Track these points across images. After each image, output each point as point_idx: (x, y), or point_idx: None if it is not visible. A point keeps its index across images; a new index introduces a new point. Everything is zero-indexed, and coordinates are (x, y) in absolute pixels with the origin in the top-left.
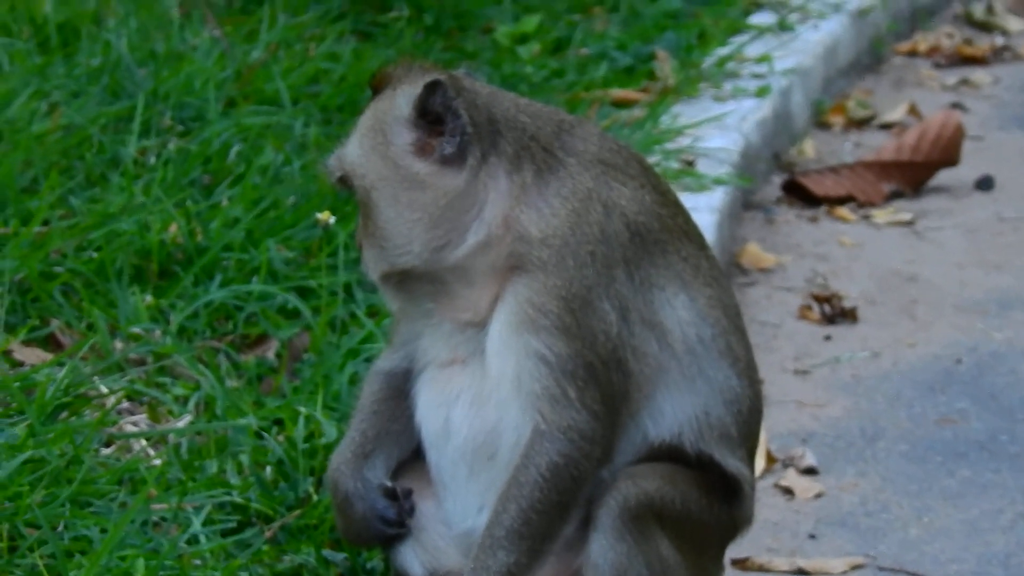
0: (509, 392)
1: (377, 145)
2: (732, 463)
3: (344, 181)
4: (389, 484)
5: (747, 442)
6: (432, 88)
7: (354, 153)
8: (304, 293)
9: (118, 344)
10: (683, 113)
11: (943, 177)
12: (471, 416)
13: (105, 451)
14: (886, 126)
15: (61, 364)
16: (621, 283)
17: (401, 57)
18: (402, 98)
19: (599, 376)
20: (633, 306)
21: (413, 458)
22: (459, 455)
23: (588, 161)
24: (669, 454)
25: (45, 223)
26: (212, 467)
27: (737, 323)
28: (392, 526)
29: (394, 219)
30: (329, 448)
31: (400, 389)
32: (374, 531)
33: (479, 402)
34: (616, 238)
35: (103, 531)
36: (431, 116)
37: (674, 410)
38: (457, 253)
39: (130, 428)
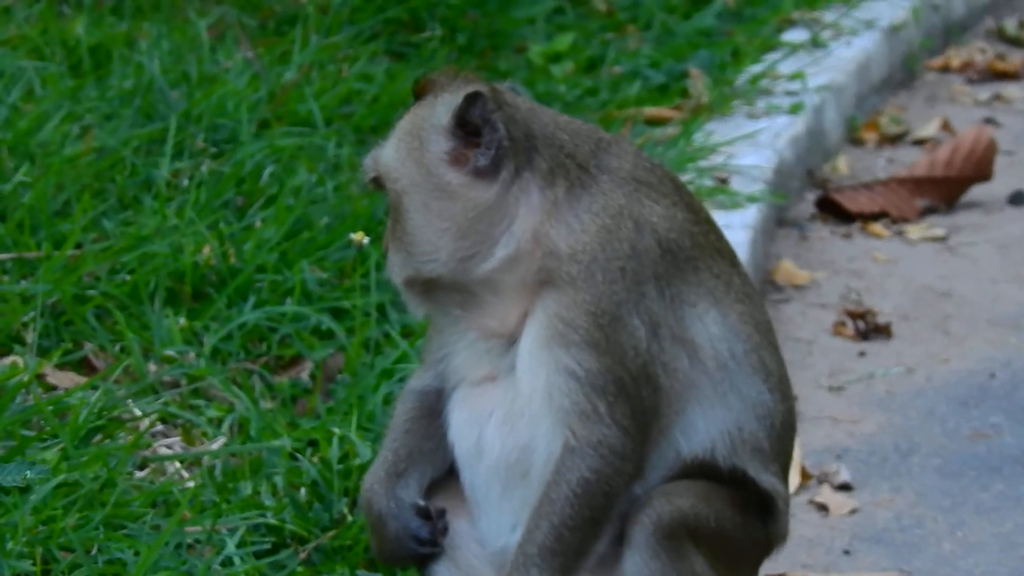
0: (540, 408)
1: (413, 150)
2: (766, 478)
3: (377, 182)
4: (422, 503)
5: (780, 457)
6: (472, 99)
7: (390, 155)
8: (338, 314)
9: (152, 367)
10: (716, 131)
11: (976, 192)
12: (504, 434)
13: (139, 474)
14: (919, 142)
15: (95, 387)
16: (651, 299)
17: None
18: (442, 106)
19: (629, 391)
20: (664, 322)
21: (447, 477)
22: (492, 473)
23: (621, 179)
24: (702, 469)
25: (78, 246)
26: (246, 489)
27: (770, 338)
28: (425, 545)
29: (423, 226)
30: (363, 468)
31: (433, 408)
32: (407, 550)
33: (511, 419)
34: (647, 255)
35: (137, 554)
36: (469, 127)
37: (707, 425)
38: (485, 266)
39: (164, 451)
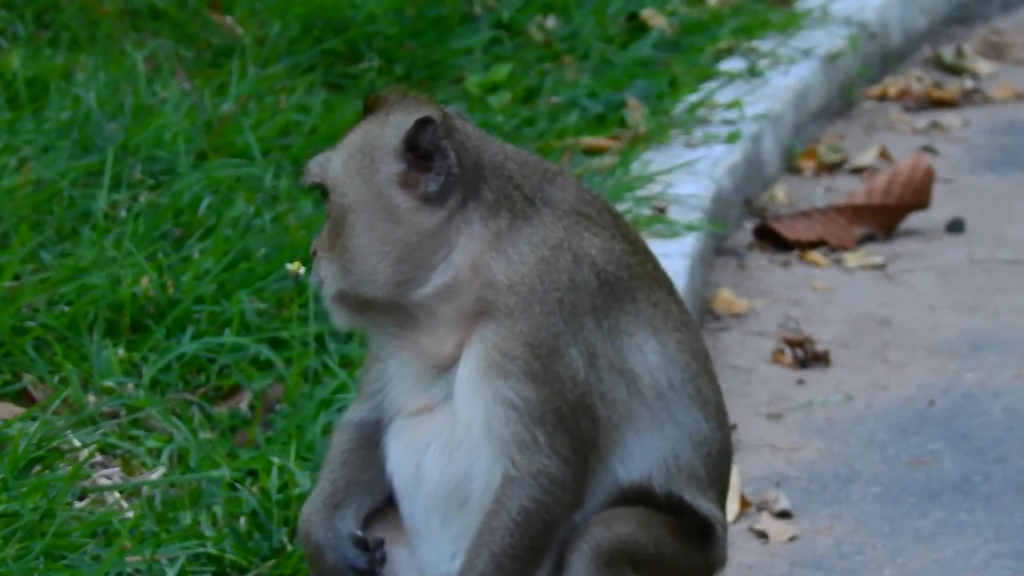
0: (479, 438)
1: (363, 168)
2: (703, 504)
3: (320, 188)
4: (360, 534)
5: (717, 484)
6: (423, 124)
7: (338, 168)
8: (276, 344)
9: (91, 398)
10: (654, 160)
11: (914, 220)
12: (442, 464)
13: (79, 504)
14: (857, 170)
15: (34, 418)
16: (589, 330)
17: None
18: (393, 128)
19: (567, 422)
20: (602, 352)
21: (385, 506)
22: (431, 503)
23: (563, 211)
24: (640, 496)
25: (16, 278)
26: (186, 519)
27: (707, 367)
28: None
29: (364, 246)
30: (303, 498)
31: (370, 439)
32: None
33: (449, 449)
34: (585, 287)
35: None
36: (420, 151)
37: (644, 453)
38: (422, 291)
39: (103, 481)
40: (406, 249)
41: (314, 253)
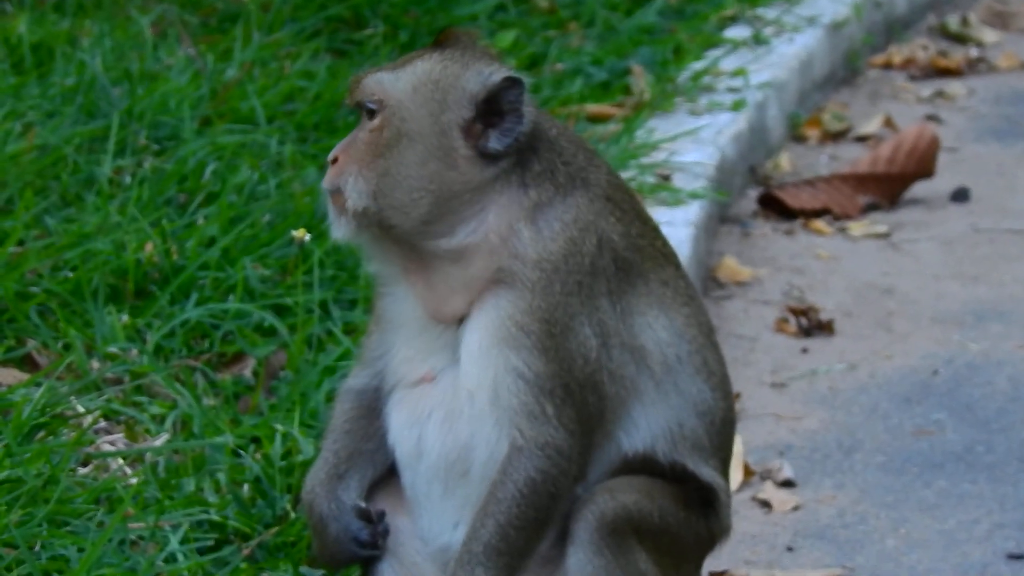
0: (484, 405)
1: (432, 101)
2: (706, 472)
3: (368, 107)
4: (363, 505)
5: (720, 452)
6: (512, 83)
7: (405, 93)
8: (280, 311)
9: (95, 364)
10: (658, 127)
11: (918, 189)
12: (443, 434)
13: (82, 470)
14: (861, 139)
15: (38, 384)
16: (604, 311)
17: None
18: (477, 76)
19: (575, 397)
20: (614, 332)
21: (388, 475)
22: (433, 473)
23: (596, 195)
24: (643, 464)
25: (20, 243)
26: (189, 485)
27: (711, 338)
28: (366, 548)
29: (410, 177)
30: (306, 465)
31: (371, 407)
32: (348, 553)
33: (451, 419)
34: (603, 272)
35: (80, 550)
36: (495, 107)
37: (648, 423)
38: (445, 242)
39: (107, 447)
40: (448, 195)
41: (334, 160)
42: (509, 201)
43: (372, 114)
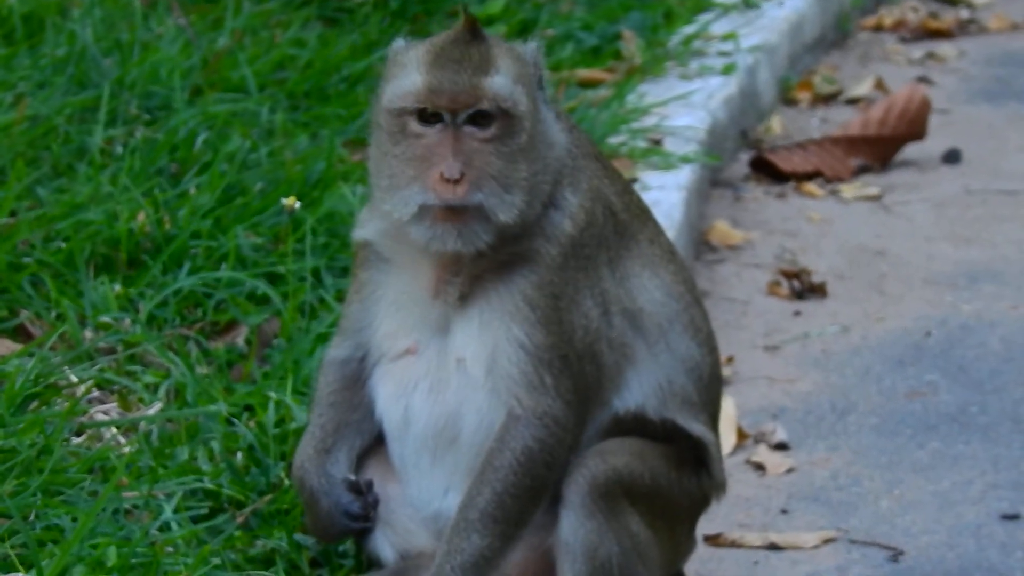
0: (479, 374)
1: (531, 94)
2: (696, 427)
3: (486, 113)
4: (352, 478)
5: (709, 407)
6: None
7: (523, 95)
8: (273, 279)
9: (87, 334)
10: (649, 92)
11: (910, 151)
12: (430, 403)
13: (76, 440)
14: (853, 101)
15: (31, 354)
16: (605, 280)
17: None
18: (531, 50)
19: (573, 368)
20: (614, 299)
21: (377, 444)
22: (421, 442)
23: (588, 155)
24: (634, 422)
25: (12, 214)
26: (183, 454)
27: (695, 294)
28: (358, 520)
29: (543, 173)
30: (299, 433)
31: (355, 377)
32: (341, 526)
33: (438, 389)
34: (607, 240)
35: (74, 520)
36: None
37: (640, 383)
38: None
39: (100, 417)
40: (552, 177)
41: (460, 177)
42: (564, 165)
43: (487, 120)
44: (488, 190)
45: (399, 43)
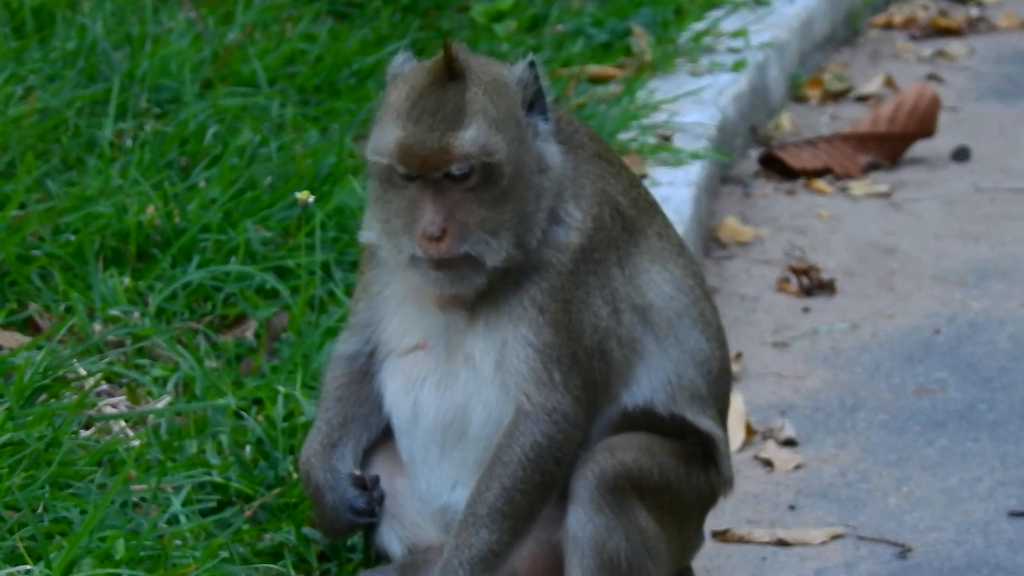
0: (488, 370)
1: (515, 130)
2: (704, 422)
3: (461, 171)
4: (358, 473)
5: (718, 402)
6: (532, 66)
7: (499, 140)
8: (282, 273)
9: (96, 327)
10: (660, 88)
11: (920, 148)
12: (439, 398)
13: (84, 433)
14: (862, 99)
15: (39, 347)
16: (615, 279)
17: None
18: (516, 79)
19: (582, 365)
20: (624, 296)
21: (385, 438)
22: (429, 436)
23: (591, 156)
24: (643, 417)
25: (22, 207)
26: (191, 447)
27: (704, 288)
28: (363, 516)
29: (530, 206)
30: (308, 427)
31: (363, 372)
32: (346, 521)
33: (446, 383)
34: (615, 241)
35: (83, 512)
36: (533, 96)
37: (649, 378)
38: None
39: (109, 410)
40: (547, 201)
41: (442, 234)
42: (562, 179)
43: (466, 174)
44: (473, 239)
45: (398, 61)
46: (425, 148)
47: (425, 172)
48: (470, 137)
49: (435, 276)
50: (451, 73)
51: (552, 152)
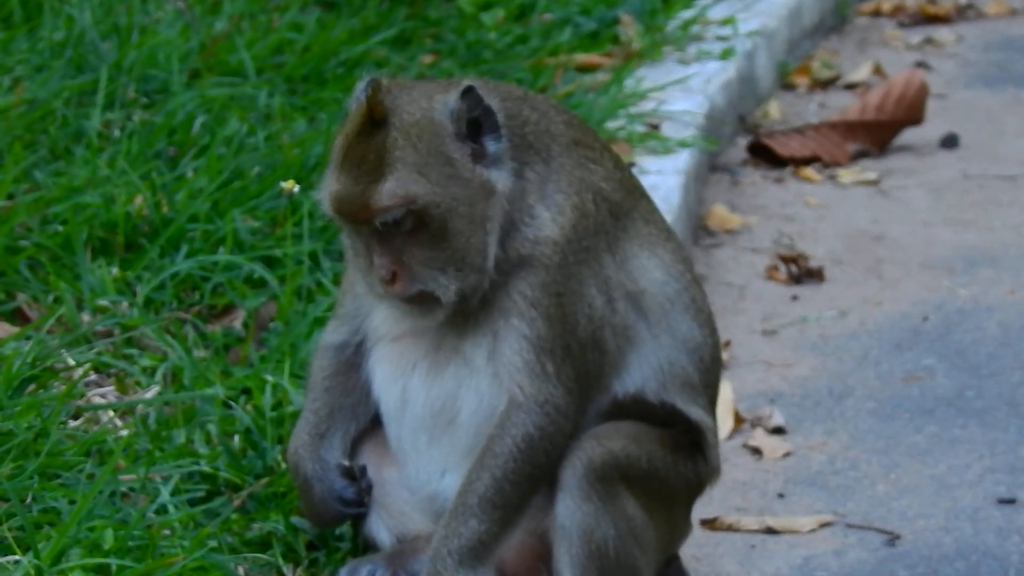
0: (480, 361)
1: (442, 168)
2: (694, 411)
3: (403, 217)
4: (346, 463)
5: (709, 390)
6: (467, 93)
7: (421, 184)
8: (270, 263)
9: (85, 317)
10: (648, 77)
11: (908, 136)
12: (428, 385)
13: (73, 423)
14: (851, 86)
15: (28, 337)
16: (607, 266)
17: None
18: (444, 115)
19: (575, 356)
20: (616, 284)
21: (373, 427)
22: (418, 423)
23: (566, 145)
24: (634, 405)
25: (10, 197)
26: (180, 437)
27: (694, 274)
28: (351, 506)
29: (475, 236)
30: (296, 416)
31: (351, 362)
32: (334, 512)
33: (436, 371)
34: (603, 226)
35: (71, 503)
36: (471, 123)
37: (640, 365)
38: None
39: (97, 400)
40: (498, 220)
41: (392, 276)
42: (518, 190)
43: (399, 220)
44: (424, 278)
45: (359, 88)
46: (350, 203)
47: (359, 222)
48: (387, 190)
49: (405, 308)
50: (375, 120)
51: (495, 173)
